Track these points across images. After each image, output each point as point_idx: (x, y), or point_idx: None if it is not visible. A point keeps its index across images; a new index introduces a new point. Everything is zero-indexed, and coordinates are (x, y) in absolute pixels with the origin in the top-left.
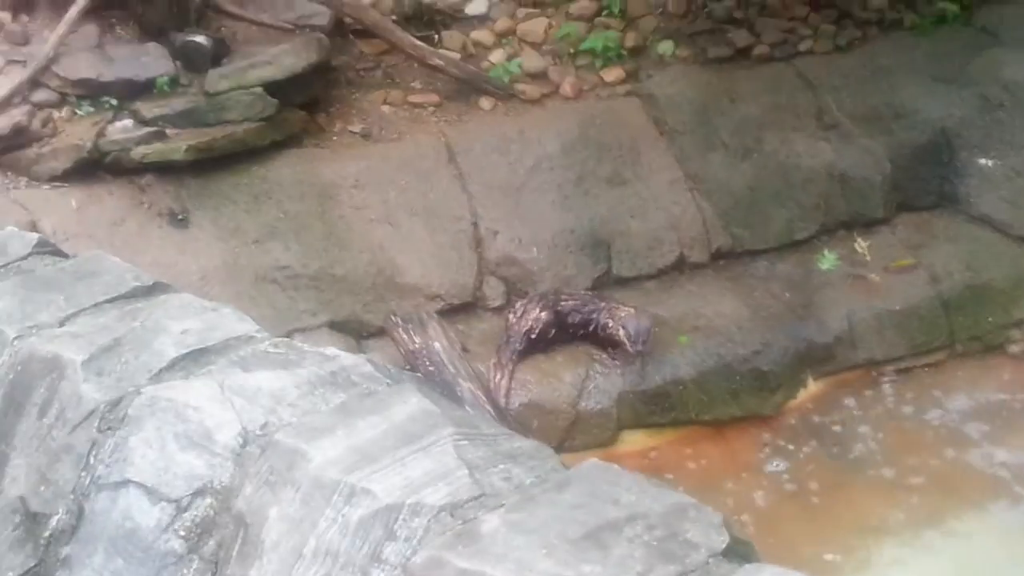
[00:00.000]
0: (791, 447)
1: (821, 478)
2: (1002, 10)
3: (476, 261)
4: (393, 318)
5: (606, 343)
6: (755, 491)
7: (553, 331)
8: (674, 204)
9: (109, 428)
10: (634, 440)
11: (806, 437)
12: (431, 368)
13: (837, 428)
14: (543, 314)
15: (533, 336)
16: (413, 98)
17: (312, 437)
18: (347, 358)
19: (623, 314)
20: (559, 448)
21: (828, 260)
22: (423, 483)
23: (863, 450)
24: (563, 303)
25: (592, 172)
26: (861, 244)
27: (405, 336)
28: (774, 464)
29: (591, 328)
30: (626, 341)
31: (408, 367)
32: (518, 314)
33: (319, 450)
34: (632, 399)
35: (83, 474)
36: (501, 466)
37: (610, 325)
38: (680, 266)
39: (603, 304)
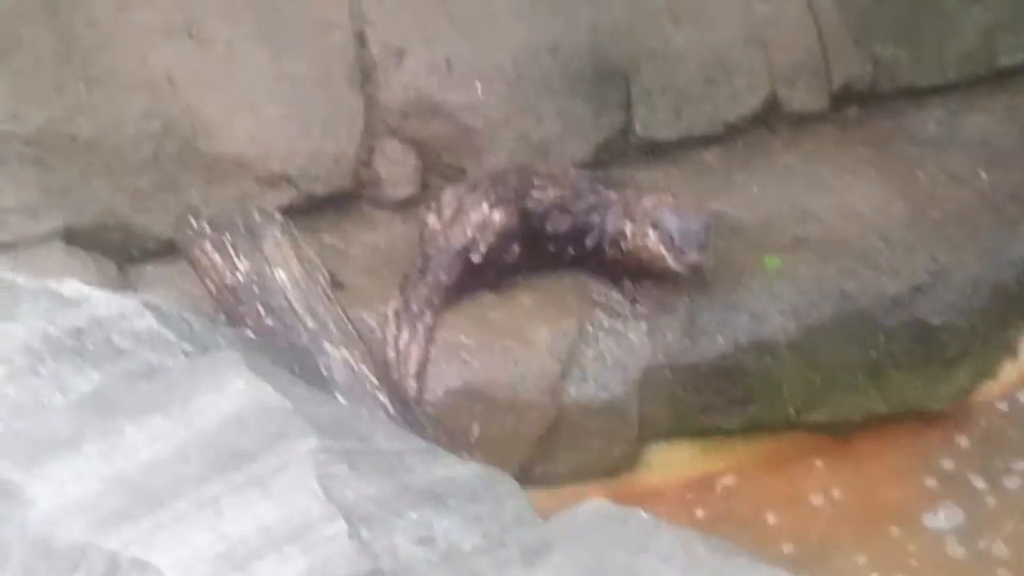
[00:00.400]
0: (982, 479)
1: None
2: None
3: (361, 108)
4: (195, 223)
5: (619, 269)
6: (909, 566)
7: (516, 248)
8: None
9: None
10: (676, 461)
11: (1014, 457)
12: (269, 320)
13: None
14: (496, 215)
15: (476, 258)
16: None
17: (33, 460)
18: (103, 301)
19: (651, 205)
20: (526, 476)
21: None
22: (257, 547)
23: None
24: (535, 194)
25: None
26: None
27: (218, 258)
28: (943, 515)
29: (589, 242)
30: (665, 252)
31: (225, 317)
32: (446, 215)
33: (47, 485)
34: (671, 381)
35: None
36: (413, 514)
37: (628, 231)
38: (769, 119)
39: (613, 194)
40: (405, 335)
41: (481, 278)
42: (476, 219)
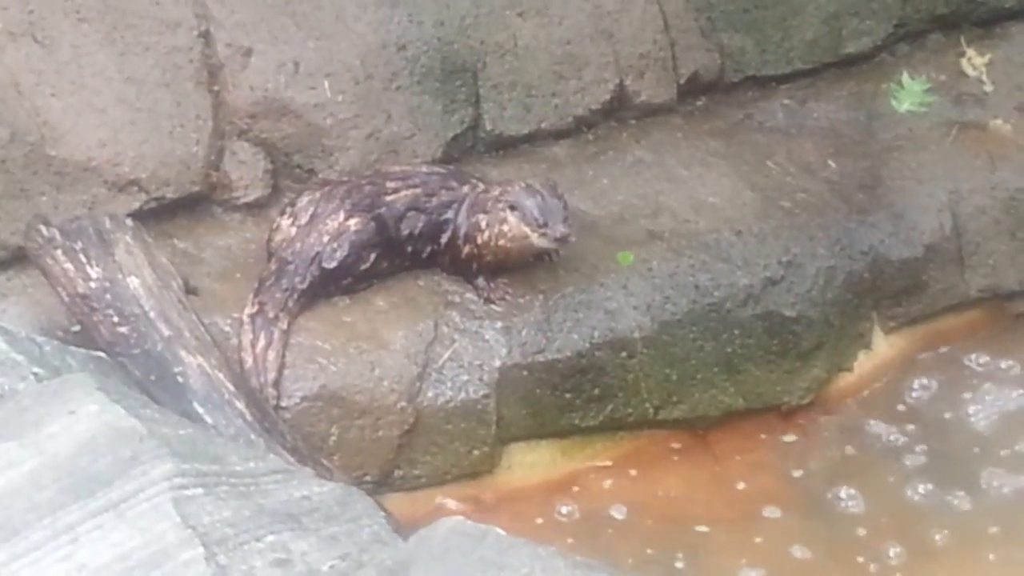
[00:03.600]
0: (840, 472)
1: (898, 532)
2: None
3: (209, 110)
4: (45, 230)
5: (475, 264)
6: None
7: (373, 253)
8: None
9: None
10: (536, 462)
11: (870, 450)
12: (123, 328)
13: (930, 430)
14: (351, 220)
15: (330, 264)
16: None
17: None
18: None
19: (499, 192)
20: (386, 480)
21: (910, 93)
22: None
23: (986, 479)
24: (389, 196)
25: None
26: (974, 60)
27: (70, 266)
28: (804, 509)
29: (443, 239)
30: (528, 231)
31: (76, 331)
32: (300, 219)
33: None
34: (527, 381)
35: None
36: (270, 536)
37: (483, 223)
38: (618, 112)
39: (465, 188)
40: (262, 341)
41: (337, 283)
42: (332, 227)
